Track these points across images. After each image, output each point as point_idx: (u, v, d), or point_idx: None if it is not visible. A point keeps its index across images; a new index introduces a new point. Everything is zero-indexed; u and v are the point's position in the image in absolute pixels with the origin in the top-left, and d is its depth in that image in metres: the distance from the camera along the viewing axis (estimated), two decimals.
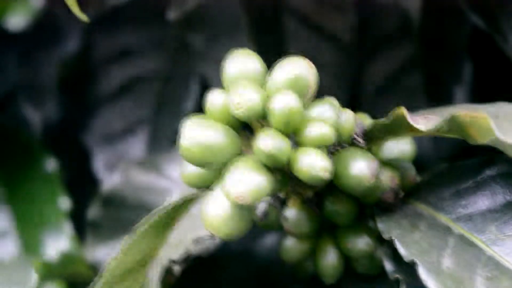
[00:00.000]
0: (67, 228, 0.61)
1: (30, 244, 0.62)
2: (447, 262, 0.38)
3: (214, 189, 0.40)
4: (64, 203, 0.62)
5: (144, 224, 0.43)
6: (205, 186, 0.41)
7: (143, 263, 0.43)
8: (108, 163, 0.63)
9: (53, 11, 0.74)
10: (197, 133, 0.39)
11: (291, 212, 0.44)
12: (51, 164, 0.65)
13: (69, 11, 0.63)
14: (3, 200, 0.65)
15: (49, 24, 0.73)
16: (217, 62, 0.45)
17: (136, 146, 0.63)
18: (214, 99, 0.40)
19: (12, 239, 0.63)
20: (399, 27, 0.63)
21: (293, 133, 0.39)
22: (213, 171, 0.41)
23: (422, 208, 0.42)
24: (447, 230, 0.40)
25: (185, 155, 0.39)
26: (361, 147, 0.42)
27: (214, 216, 0.39)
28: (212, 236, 0.44)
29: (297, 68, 0.40)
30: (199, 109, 0.53)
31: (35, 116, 0.66)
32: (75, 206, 0.62)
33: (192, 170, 0.41)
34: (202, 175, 0.41)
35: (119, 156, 0.63)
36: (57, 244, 0.61)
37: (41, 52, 0.69)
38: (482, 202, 0.40)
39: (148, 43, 0.65)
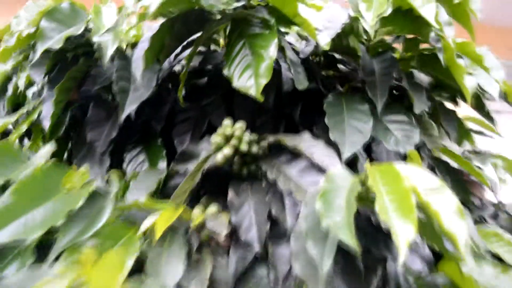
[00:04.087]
0: (165, 161, 0.58)
1: (152, 165, 0.59)
2: (272, 174, 0.43)
3: (219, 152, 0.47)
4: (164, 152, 0.60)
5: (202, 159, 0.47)
6: (216, 151, 0.48)
7: (200, 167, 0.47)
8: (179, 142, 0.61)
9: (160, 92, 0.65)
10: (216, 138, 0.48)
11: (236, 158, 0.48)
12: (159, 140, 0.62)
13: (167, 91, 0.65)
14: (144, 152, 0.62)
15: (162, 96, 0.65)
16: (221, 118, 0.50)
17: (187, 137, 0.61)
18: (219, 130, 0.48)
19: (145, 163, 0.59)
20: (275, 112, 0.58)
21: (239, 140, 0.47)
22: (219, 148, 0.48)
23: (270, 159, 0.47)
24: (275, 164, 0.45)
25: (212, 143, 0.47)
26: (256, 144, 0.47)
27: (219, 157, 0.47)
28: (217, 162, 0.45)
29: (241, 124, 0.48)
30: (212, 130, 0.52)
31: (157, 126, 0.63)
32: (169, 155, 0.59)
33: (213, 147, 0.47)
34: (215, 149, 0.48)
35: (183, 140, 0.61)
36: (162, 165, 0.58)
37: (158, 106, 0.64)
38: (284, 158, 0.45)
39: (193, 110, 0.61)
